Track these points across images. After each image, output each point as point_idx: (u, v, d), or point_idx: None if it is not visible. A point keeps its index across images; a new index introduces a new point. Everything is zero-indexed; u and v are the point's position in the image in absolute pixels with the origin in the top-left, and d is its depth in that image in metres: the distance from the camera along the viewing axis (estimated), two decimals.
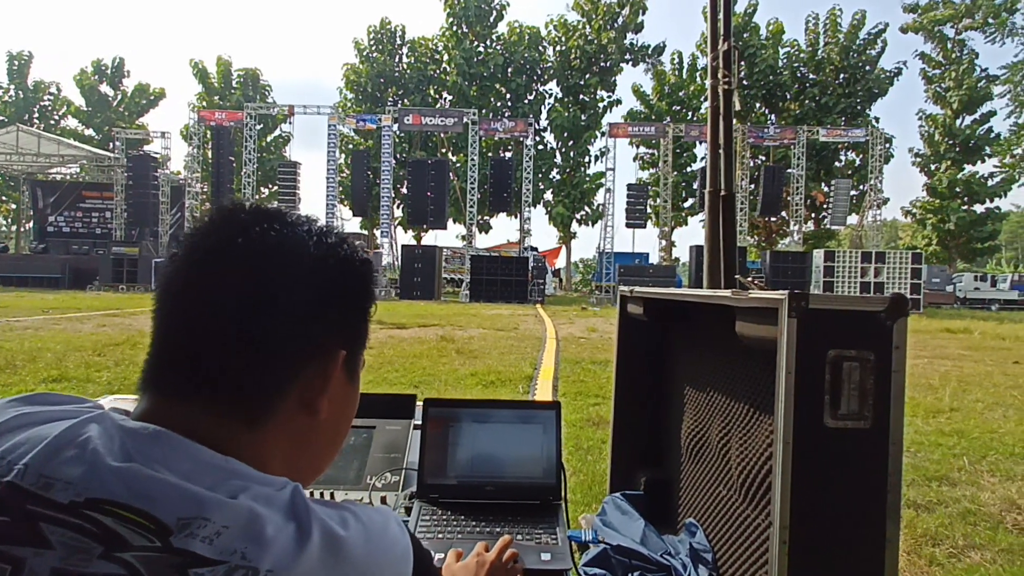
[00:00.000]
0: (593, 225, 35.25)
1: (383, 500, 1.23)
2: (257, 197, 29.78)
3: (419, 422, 1.31)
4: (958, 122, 31.20)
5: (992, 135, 31.04)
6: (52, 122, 36.14)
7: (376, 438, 1.38)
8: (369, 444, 1.36)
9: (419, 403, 1.45)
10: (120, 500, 0.41)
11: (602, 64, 33.48)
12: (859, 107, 31.37)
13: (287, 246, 0.52)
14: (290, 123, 29.61)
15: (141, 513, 0.41)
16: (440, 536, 1.12)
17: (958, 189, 30.92)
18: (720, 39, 2.90)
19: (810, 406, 1.07)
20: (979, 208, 31.28)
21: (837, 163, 32.17)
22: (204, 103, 32.94)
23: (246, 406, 0.50)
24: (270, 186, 33.75)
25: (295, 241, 0.53)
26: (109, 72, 36.24)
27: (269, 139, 35.17)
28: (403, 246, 24.93)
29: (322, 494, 1.22)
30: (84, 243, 26.34)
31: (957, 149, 31.06)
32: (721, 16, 3.00)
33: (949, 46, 31.83)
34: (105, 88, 36.32)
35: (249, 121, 26.68)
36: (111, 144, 29.51)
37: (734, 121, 3.33)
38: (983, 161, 31.50)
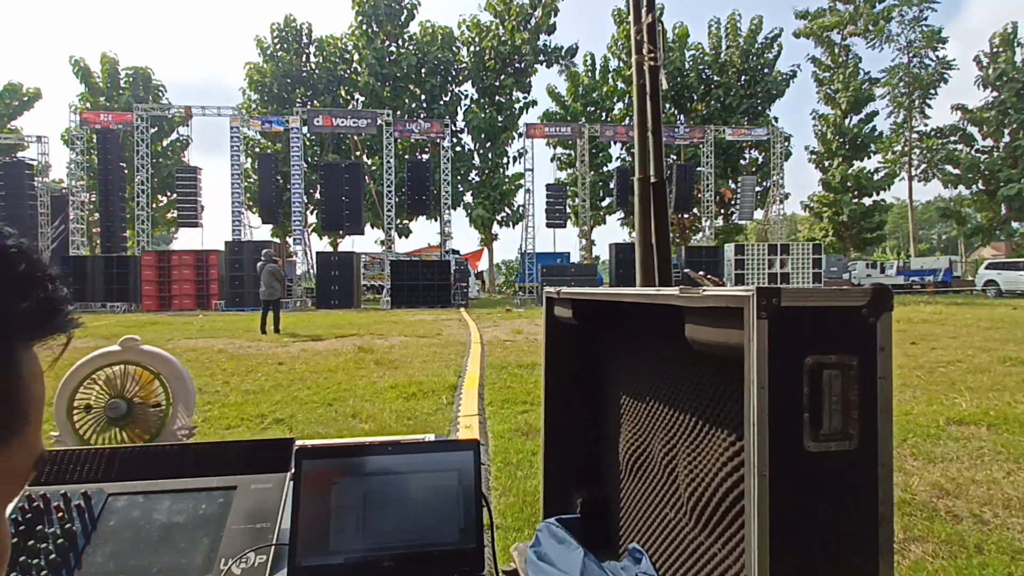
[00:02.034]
0: (514, 226, 35.32)
1: None
2: (153, 206, 27.62)
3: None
4: (847, 121, 33.76)
5: (876, 133, 33.85)
6: None
7: (236, 503, 1.00)
8: (226, 513, 0.99)
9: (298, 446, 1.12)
10: None
11: (517, 65, 33.58)
12: (760, 107, 33.21)
13: None
14: (188, 126, 27.75)
15: None
16: None
17: (849, 184, 33.41)
18: (643, 11, 2.72)
19: (786, 427, 0.87)
20: (867, 201, 33.94)
21: (742, 161, 33.94)
22: (88, 104, 30.16)
23: None
24: (168, 194, 31.45)
25: None
26: None
27: (165, 143, 32.72)
28: (318, 253, 23.80)
29: None
30: None
31: (847, 147, 33.60)
32: None
33: (836, 51, 34.45)
34: None
35: (140, 123, 24.61)
36: None
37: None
38: (869, 157, 34.41)
